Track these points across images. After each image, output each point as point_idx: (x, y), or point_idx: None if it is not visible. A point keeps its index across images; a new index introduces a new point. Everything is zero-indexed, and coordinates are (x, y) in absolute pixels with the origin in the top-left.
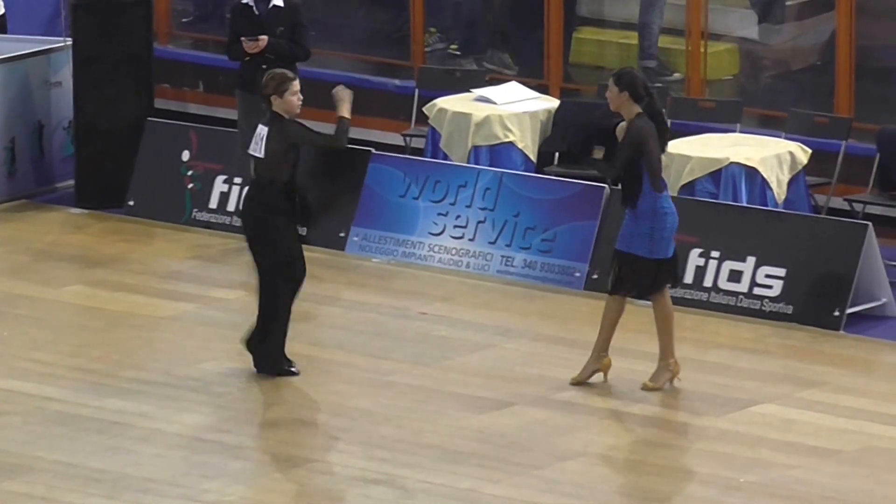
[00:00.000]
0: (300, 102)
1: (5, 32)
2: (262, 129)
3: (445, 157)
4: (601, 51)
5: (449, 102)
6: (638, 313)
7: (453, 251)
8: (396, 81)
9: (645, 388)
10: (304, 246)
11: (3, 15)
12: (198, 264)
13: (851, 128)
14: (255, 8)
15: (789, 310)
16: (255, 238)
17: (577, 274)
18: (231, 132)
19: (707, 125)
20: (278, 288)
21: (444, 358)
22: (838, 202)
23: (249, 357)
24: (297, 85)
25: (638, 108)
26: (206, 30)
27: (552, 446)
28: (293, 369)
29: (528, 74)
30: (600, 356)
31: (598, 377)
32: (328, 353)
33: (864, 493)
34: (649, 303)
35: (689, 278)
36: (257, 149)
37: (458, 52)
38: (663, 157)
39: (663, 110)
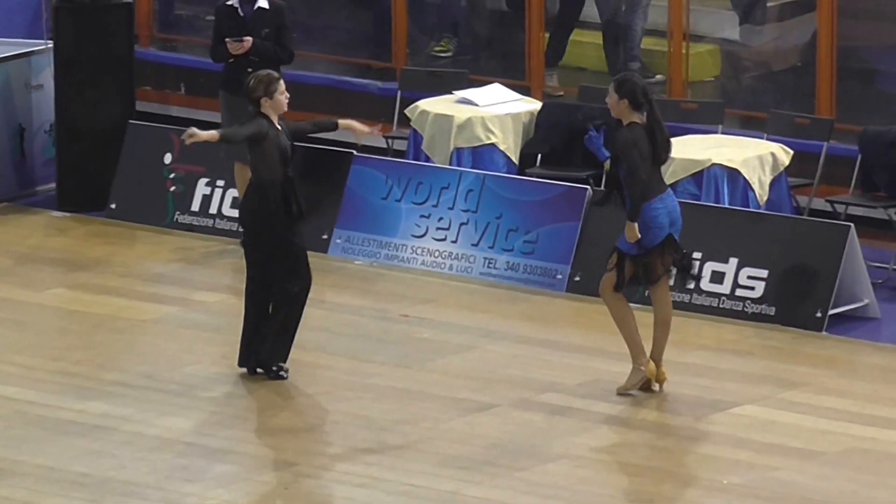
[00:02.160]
0: (287, 100)
1: None
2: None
3: (427, 159)
4: (582, 52)
5: (431, 104)
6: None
7: (436, 253)
8: (378, 83)
9: (620, 391)
10: None
11: None
12: (180, 267)
13: (833, 129)
14: (239, 10)
15: (772, 311)
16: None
17: (560, 276)
18: None
19: (689, 126)
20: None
21: (426, 360)
22: (820, 203)
23: (233, 360)
24: (283, 84)
25: (636, 117)
26: (189, 31)
27: (534, 448)
28: (283, 373)
29: (509, 76)
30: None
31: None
32: (310, 355)
33: (846, 494)
34: (631, 304)
35: (671, 280)
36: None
37: (444, 54)
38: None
39: (662, 120)
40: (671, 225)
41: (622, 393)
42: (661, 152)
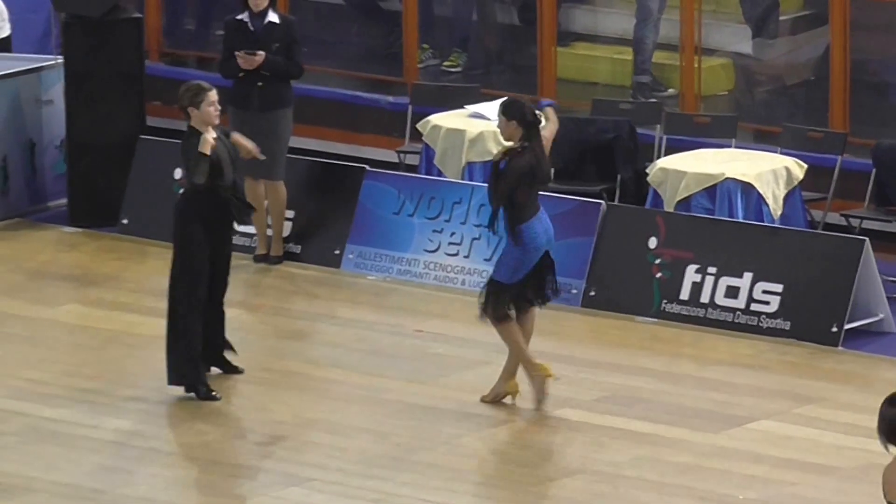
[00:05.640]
0: (217, 113)
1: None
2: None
3: (439, 173)
4: (595, 66)
5: (443, 119)
6: (636, 329)
7: (448, 268)
8: (390, 98)
9: (483, 400)
10: (296, 263)
11: (9, 37)
12: None
13: (847, 142)
14: (249, 24)
15: (787, 326)
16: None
17: (574, 291)
18: None
19: (702, 140)
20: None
21: (440, 375)
22: (835, 217)
23: (243, 375)
24: (213, 95)
25: (525, 138)
26: (198, 47)
27: (550, 463)
28: (214, 394)
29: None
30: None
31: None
32: (323, 371)
33: None
34: (646, 319)
35: (685, 294)
36: None
37: (453, 69)
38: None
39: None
40: (548, 244)
41: (485, 400)
42: (545, 174)
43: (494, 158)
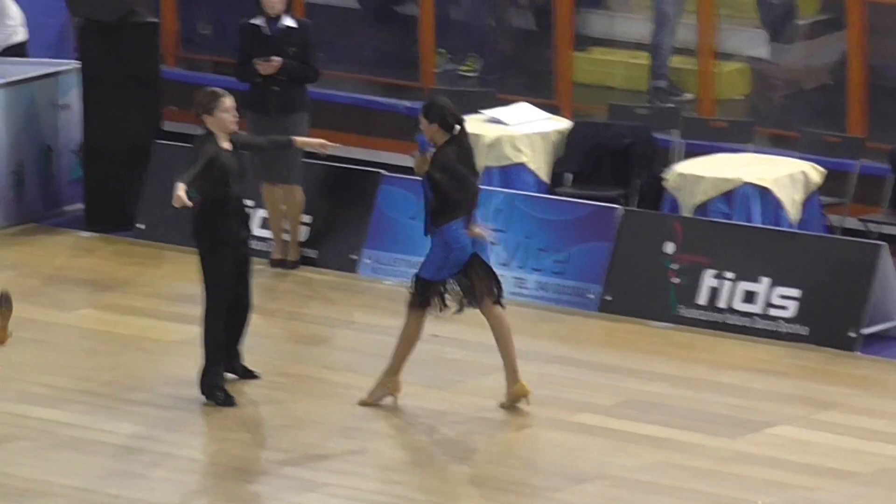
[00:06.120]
0: (234, 119)
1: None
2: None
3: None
4: (612, 71)
5: None
6: (652, 334)
7: None
8: (406, 103)
9: (362, 402)
10: (313, 268)
11: (25, 41)
12: None
13: (864, 147)
14: (265, 28)
15: (804, 331)
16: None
17: (591, 295)
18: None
19: (719, 145)
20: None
21: (457, 381)
22: (853, 222)
23: (259, 380)
24: (228, 102)
25: (449, 138)
26: (214, 51)
27: (568, 469)
28: (231, 399)
29: (536, 95)
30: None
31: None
32: (340, 376)
33: None
34: (663, 324)
35: (703, 300)
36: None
37: (469, 74)
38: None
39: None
40: (474, 244)
41: (365, 404)
42: (473, 166)
43: (421, 171)
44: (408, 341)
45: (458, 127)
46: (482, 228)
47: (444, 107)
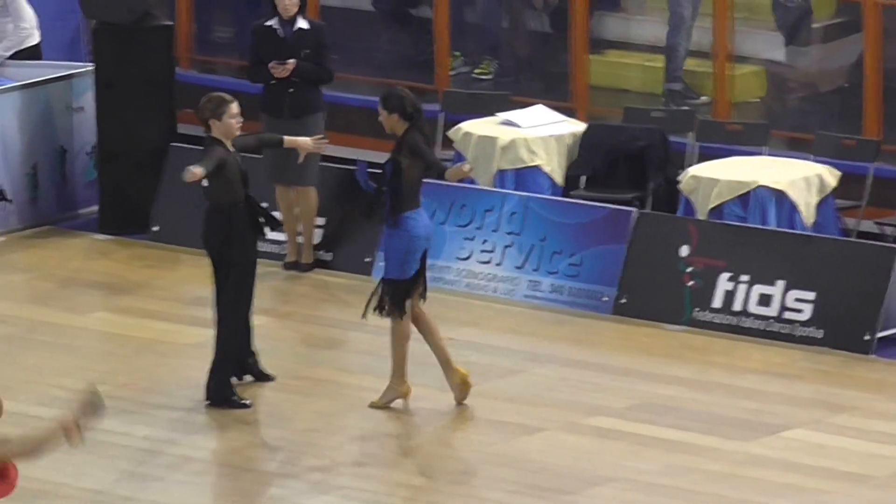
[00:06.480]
0: (239, 125)
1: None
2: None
3: (471, 181)
4: (626, 74)
5: (474, 126)
6: (667, 337)
7: (480, 276)
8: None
9: (373, 405)
10: (327, 270)
11: (39, 44)
12: None
13: (880, 150)
14: (280, 30)
15: (820, 334)
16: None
17: (605, 298)
18: (255, 157)
19: (734, 148)
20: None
21: (472, 383)
22: (868, 225)
23: (274, 382)
24: (235, 108)
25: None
26: (229, 53)
27: (583, 472)
28: (245, 402)
29: (551, 98)
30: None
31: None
32: (356, 378)
33: None
34: (678, 327)
35: (718, 303)
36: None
37: (485, 76)
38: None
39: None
40: (427, 240)
41: (376, 407)
42: (431, 156)
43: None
44: (400, 343)
45: (416, 115)
46: (461, 165)
47: (403, 96)
